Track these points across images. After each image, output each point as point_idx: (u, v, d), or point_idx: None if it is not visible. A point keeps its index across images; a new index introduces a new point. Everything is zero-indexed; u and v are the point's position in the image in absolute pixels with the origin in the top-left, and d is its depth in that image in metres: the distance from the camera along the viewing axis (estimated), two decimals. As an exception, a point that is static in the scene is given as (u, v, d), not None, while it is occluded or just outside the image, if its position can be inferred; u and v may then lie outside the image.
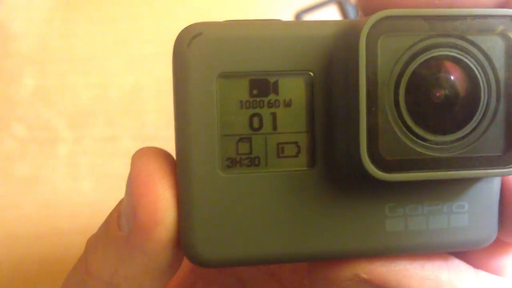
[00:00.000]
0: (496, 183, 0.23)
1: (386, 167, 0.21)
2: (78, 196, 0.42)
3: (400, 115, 0.21)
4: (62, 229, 0.41)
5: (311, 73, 0.22)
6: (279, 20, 0.22)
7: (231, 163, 0.22)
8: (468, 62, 0.21)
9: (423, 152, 0.21)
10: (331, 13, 0.48)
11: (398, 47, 0.21)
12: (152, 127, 0.44)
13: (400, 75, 0.21)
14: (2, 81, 0.43)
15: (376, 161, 0.21)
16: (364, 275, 0.22)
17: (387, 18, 0.20)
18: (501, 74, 0.21)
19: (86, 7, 0.44)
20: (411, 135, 0.21)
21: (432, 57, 0.21)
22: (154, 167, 0.21)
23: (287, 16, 0.46)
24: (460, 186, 0.23)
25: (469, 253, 0.24)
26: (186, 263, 0.24)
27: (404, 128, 0.21)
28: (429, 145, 0.21)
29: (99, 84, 0.43)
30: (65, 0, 0.44)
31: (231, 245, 0.22)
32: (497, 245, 0.24)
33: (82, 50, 0.44)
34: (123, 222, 0.22)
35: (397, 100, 0.21)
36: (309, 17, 0.46)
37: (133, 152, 0.22)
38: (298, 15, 0.46)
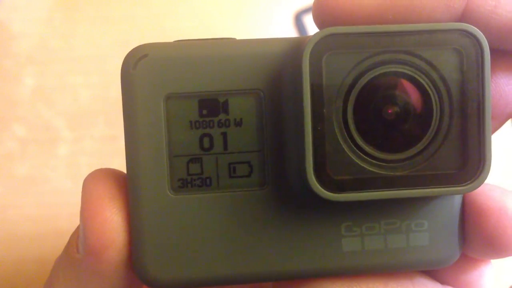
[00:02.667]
0: (456, 199, 0.23)
1: (334, 187, 0.20)
2: (78, 196, 0.42)
3: (349, 134, 0.20)
4: (62, 229, 0.41)
5: (261, 92, 0.22)
6: (232, 39, 0.22)
7: (182, 183, 0.22)
8: (419, 78, 0.20)
9: (374, 170, 0.21)
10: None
11: (345, 65, 0.20)
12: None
13: (348, 93, 0.20)
14: (2, 81, 0.43)
15: (324, 181, 0.20)
16: None
17: (331, 35, 0.20)
18: (454, 89, 0.20)
19: (86, 7, 0.44)
20: (361, 154, 0.21)
21: (380, 74, 0.20)
22: (104, 190, 0.21)
23: (287, 16, 0.46)
24: (419, 203, 0.22)
25: (437, 270, 0.24)
26: None
27: (353, 147, 0.21)
28: (380, 163, 0.21)
29: (99, 84, 0.43)
30: (65, 0, 0.44)
31: (183, 267, 0.22)
32: (465, 261, 0.24)
33: (82, 50, 0.44)
34: (80, 245, 0.22)
35: (346, 119, 0.20)
36: (309, 17, 0.46)
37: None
38: (298, 15, 0.46)
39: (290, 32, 0.45)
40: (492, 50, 0.21)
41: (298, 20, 0.46)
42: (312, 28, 0.45)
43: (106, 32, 0.44)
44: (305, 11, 0.47)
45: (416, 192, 0.21)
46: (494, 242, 0.22)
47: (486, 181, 0.21)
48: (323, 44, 0.20)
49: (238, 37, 0.22)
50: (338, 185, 0.20)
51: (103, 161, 0.42)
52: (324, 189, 0.20)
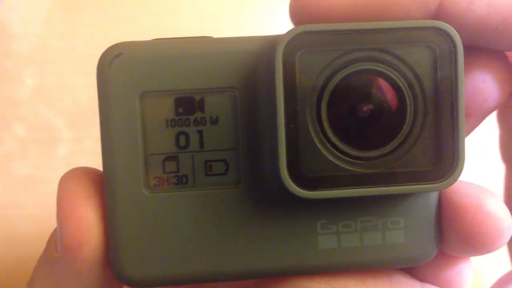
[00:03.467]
0: (433, 197, 0.22)
1: (308, 184, 0.20)
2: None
3: (323, 131, 0.20)
4: (62, 229, 0.41)
5: (236, 90, 0.22)
6: (209, 37, 0.22)
7: (159, 182, 0.22)
8: (392, 76, 0.20)
9: (348, 168, 0.21)
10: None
11: (318, 63, 0.20)
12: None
13: (322, 90, 0.20)
14: (2, 81, 0.43)
15: (297, 178, 0.20)
16: None
17: (305, 33, 0.20)
18: (428, 86, 0.20)
19: (86, 7, 0.44)
20: (335, 151, 0.21)
21: (354, 72, 0.20)
22: (79, 188, 0.21)
23: (287, 16, 0.46)
24: (395, 201, 0.22)
25: (414, 266, 0.24)
26: None
27: (327, 144, 0.21)
28: (354, 160, 0.21)
29: (99, 84, 0.43)
30: (65, 0, 0.44)
31: (159, 264, 0.22)
32: (443, 258, 0.24)
33: (82, 50, 0.44)
34: (58, 244, 0.22)
35: (320, 116, 0.20)
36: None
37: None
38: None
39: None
40: (468, 47, 0.21)
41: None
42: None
43: (106, 32, 0.44)
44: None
45: (390, 189, 0.21)
46: (471, 240, 0.22)
47: (462, 178, 0.21)
48: (297, 42, 0.20)
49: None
50: (311, 183, 0.20)
51: (103, 161, 0.42)
52: (298, 186, 0.20)
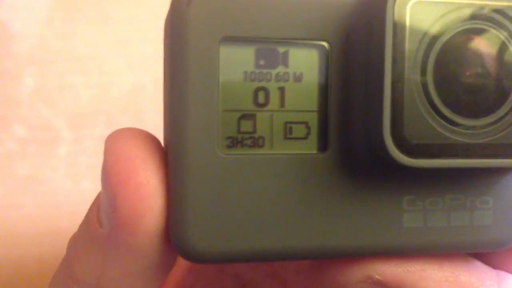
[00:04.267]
0: None
1: (411, 151, 0.18)
2: (78, 196, 0.42)
3: (427, 95, 0.19)
4: (62, 229, 0.41)
5: (326, 44, 0.19)
6: None
7: (232, 142, 0.19)
8: (503, 38, 0.19)
9: (453, 137, 0.19)
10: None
11: (428, 16, 0.18)
12: (152, 127, 0.43)
13: (428, 49, 0.18)
14: (2, 81, 0.43)
15: (401, 145, 0.18)
16: (378, 277, 0.20)
17: None
18: None
19: (86, 7, 0.44)
20: (439, 118, 0.19)
21: (463, 30, 0.19)
22: (134, 149, 0.19)
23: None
24: (485, 179, 0.21)
25: (490, 253, 0.22)
26: (182, 262, 0.23)
27: (431, 110, 0.19)
28: (460, 129, 0.19)
29: (99, 84, 0.43)
30: (65, 0, 0.44)
31: (229, 238, 0.19)
32: None
33: (82, 50, 0.44)
34: (103, 218, 0.19)
35: (425, 78, 0.19)
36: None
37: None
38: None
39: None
40: None
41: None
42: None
43: (106, 32, 0.44)
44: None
45: (497, 162, 0.19)
46: None
47: None
48: None
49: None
50: (415, 150, 0.18)
51: (103, 161, 0.42)
52: (402, 153, 0.18)
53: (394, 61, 0.18)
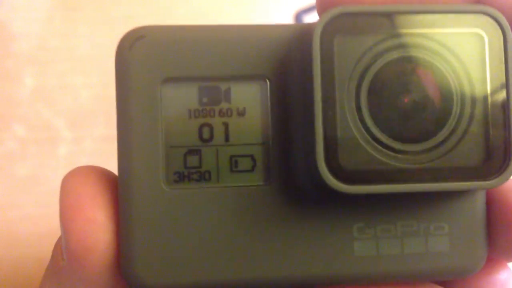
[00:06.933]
0: (480, 200, 0.20)
1: (347, 178, 0.19)
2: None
3: (362, 121, 0.19)
4: (62, 229, 0.41)
5: (266, 79, 0.20)
6: (233, 24, 0.21)
7: (179, 177, 0.20)
8: (437, 63, 0.19)
9: (389, 162, 0.19)
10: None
11: (358, 47, 0.19)
12: (152, 127, 0.43)
13: (361, 77, 0.19)
14: (2, 81, 0.43)
15: (336, 171, 0.18)
16: None
17: (343, 15, 0.18)
18: (476, 76, 0.19)
19: (86, 7, 0.44)
20: (374, 143, 0.19)
21: (396, 59, 0.19)
22: (84, 186, 0.20)
23: (287, 16, 0.46)
24: (438, 203, 0.20)
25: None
26: None
27: (367, 135, 0.19)
28: (396, 154, 0.19)
29: (99, 84, 0.43)
30: (65, 0, 0.44)
31: (177, 270, 0.20)
32: (486, 268, 0.21)
33: (82, 50, 0.44)
34: (63, 251, 0.20)
35: (359, 105, 0.19)
36: (309, 17, 0.46)
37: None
38: (298, 15, 0.46)
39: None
40: None
41: (298, 20, 0.46)
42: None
43: (106, 32, 0.44)
44: (305, 11, 0.47)
45: (435, 186, 0.19)
46: None
47: None
48: (334, 24, 0.19)
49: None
50: (351, 177, 0.19)
51: (103, 161, 0.42)
52: (336, 180, 0.19)
53: (324, 90, 0.18)
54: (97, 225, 0.19)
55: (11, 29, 0.44)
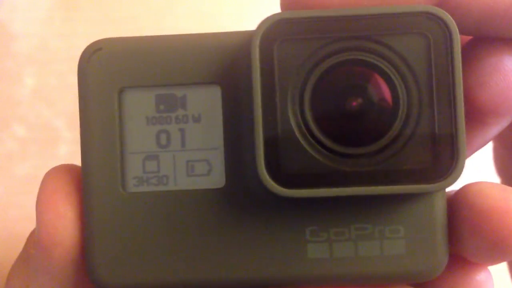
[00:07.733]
0: (438, 202, 0.20)
1: (288, 182, 0.19)
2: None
3: (306, 125, 0.19)
4: (62, 229, 0.41)
5: (218, 86, 0.20)
6: (187, 34, 0.21)
7: (138, 182, 0.21)
8: (382, 66, 0.19)
9: (332, 165, 0.19)
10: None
11: (299, 53, 0.19)
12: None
13: (304, 82, 0.19)
14: (2, 81, 0.43)
15: (276, 175, 0.19)
16: None
17: (282, 21, 0.19)
18: (422, 77, 0.19)
19: (86, 7, 0.44)
20: (318, 147, 0.19)
21: (338, 62, 0.19)
22: (59, 185, 0.21)
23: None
24: (393, 206, 0.20)
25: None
26: None
27: (310, 139, 0.19)
28: (340, 158, 0.19)
29: (99, 84, 0.43)
30: (65, 0, 0.44)
31: (134, 270, 0.20)
32: (459, 269, 0.21)
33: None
34: (35, 241, 0.21)
35: (303, 109, 0.19)
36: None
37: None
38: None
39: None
40: (481, 37, 0.20)
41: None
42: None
43: (106, 32, 0.44)
44: (305, 11, 0.47)
45: (379, 189, 0.19)
46: (498, 245, 0.19)
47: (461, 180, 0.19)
48: (274, 31, 0.19)
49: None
50: (293, 181, 0.19)
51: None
52: (277, 184, 0.19)
53: (264, 96, 0.19)
54: (67, 221, 0.20)
55: (11, 29, 0.44)
